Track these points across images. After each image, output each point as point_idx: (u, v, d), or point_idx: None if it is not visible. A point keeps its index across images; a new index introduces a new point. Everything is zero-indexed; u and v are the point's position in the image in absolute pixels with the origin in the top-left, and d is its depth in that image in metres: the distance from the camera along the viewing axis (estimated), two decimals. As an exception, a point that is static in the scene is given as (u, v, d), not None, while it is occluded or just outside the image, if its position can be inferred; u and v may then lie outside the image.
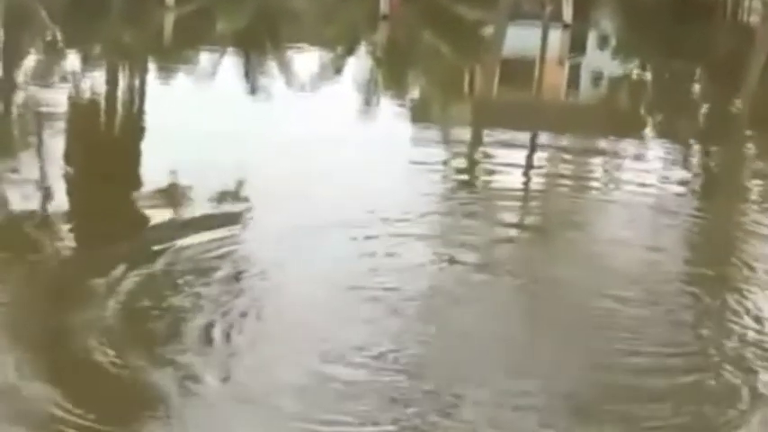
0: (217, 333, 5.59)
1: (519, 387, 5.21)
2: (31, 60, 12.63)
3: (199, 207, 7.58)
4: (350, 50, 14.95)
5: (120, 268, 6.28)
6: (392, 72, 14.11)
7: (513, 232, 7.63)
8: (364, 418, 4.89)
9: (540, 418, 4.97)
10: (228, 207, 7.65)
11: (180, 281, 6.23)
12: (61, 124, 9.91)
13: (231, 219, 7.35)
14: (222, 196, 7.79)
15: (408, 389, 5.16)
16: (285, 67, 13.34)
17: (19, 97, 10.99)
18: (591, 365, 5.56)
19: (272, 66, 13.64)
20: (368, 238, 7.08)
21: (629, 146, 10.53)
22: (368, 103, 12.03)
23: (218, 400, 5.00)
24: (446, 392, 5.12)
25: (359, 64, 14.40)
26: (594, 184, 9.21)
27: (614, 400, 5.21)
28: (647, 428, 4.98)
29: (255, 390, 5.10)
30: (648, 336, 5.91)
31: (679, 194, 9.00)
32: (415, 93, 13.49)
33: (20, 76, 11.79)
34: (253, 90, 12.27)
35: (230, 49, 14.25)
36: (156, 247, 6.71)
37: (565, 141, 10.63)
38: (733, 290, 6.61)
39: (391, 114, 11.69)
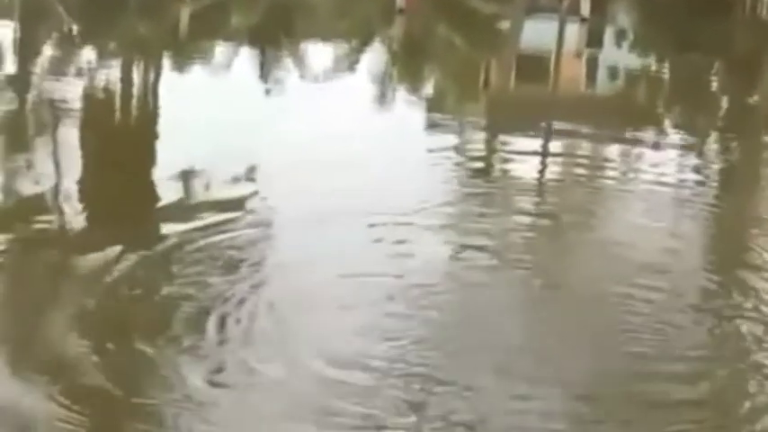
0: (218, 322, 5.54)
1: (531, 381, 5.15)
2: (46, 54, 12.62)
3: (211, 196, 7.57)
4: (365, 44, 14.89)
5: (129, 256, 6.26)
6: (408, 66, 14.06)
7: (528, 222, 7.58)
8: (368, 411, 4.82)
9: (551, 414, 4.91)
10: (240, 196, 7.61)
11: (188, 269, 6.21)
12: (76, 117, 9.88)
13: (242, 207, 7.33)
14: (234, 185, 7.78)
15: (417, 380, 5.10)
16: (300, 60, 13.30)
17: (34, 90, 10.97)
18: (606, 358, 5.50)
19: (287, 59, 13.61)
20: (381, 226, 7.03)
21: (646, 138, 10.47)
22: (383, 96, 11.98)
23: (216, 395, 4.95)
24: (454, 385, 5.07)
25: (374, 58, 14.35)
26: (611, 174, 9.15)
27: (629, 394, 5.14)
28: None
29: (263, 380, 5.08)
30: (668, 328, 5.85)
31: (697, 185, 8.94)
32: (430, 87, 13.43)
33: (36, 70, 11.77)
34: (267, 83, 12.24)
35: (245, 43, 14.23)
36: (167, 235, 6.72)
37: (581, 133, 10.57)
38: (753, 281, 6.56)
39: (406, 108, 11.65)
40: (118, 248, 6.32)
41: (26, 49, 12.52)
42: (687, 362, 5.49)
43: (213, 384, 4.97)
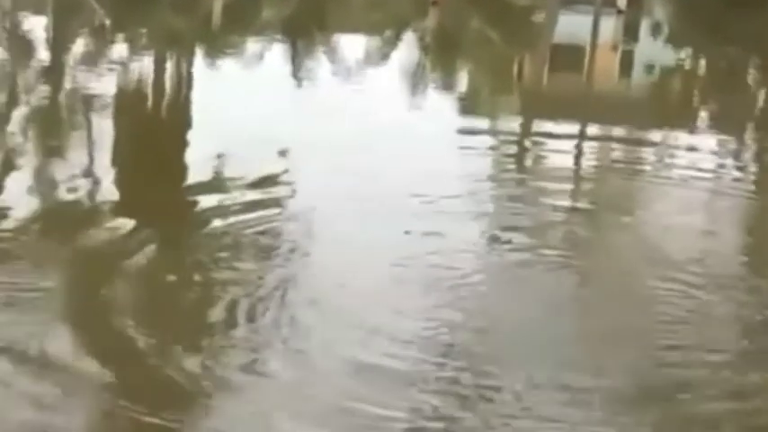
0: (249, 308, 5.53)
1: (563, 374, 5.08)
2: (79, 45, 12.63)
3: (243, 183, 7.54)
4: (398, 36, 14.83)
5: (161, 243, 6.30)
6: (441, 58, 13.99)
7: (562, 214, 7.51)
8: (397, 401, 4.78)
9: (583, 408, 4.83)
10: (272, 183, 7.59)
11: (220, 255, 6.22)
12: (109, 108, 9.89)
13: (274, 194, 7.34)
14: (266, 173, 7.75)
15: (448, 371, 5.04)
16: (332, 52, 13.25)
17: (67, 82, 10.99)
18: (641, 353, 5.42)
19: (319, 52, 13.56)
20: (415, 214, 7.00)
21: (682, 132, 10.37)
22: (416, 88, 11.92)
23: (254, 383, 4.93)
24: (484, 378, 5.01)
25: (407, 50, 14.28)
26: (647, 167, 9.07)
27: (662, 390, 5.06)
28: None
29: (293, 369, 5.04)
30: (705, 323, 5.77)
31: (734, 179, 8.83)
32: (464, 79, 13.36)
33: (68, 61, 11.79)
34: (299, 76, 12.20)
35: (277, 36, 14.20)
36: (199, 222, 6.76)
37: (617, 127, 10.47)
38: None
39: (440, 99, 11.58)
40: (150, 236, 6.37)
41: (59, 42, 12.54)
42: (727, 354, 5.41)
43: (247, 372, 4.95)
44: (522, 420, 4.71)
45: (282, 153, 8.24)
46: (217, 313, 5.53)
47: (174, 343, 5.18)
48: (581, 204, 8.04)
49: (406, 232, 6.75)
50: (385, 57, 13.51)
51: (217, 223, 6.75)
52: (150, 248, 6.26)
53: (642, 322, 5.79)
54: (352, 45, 13.79)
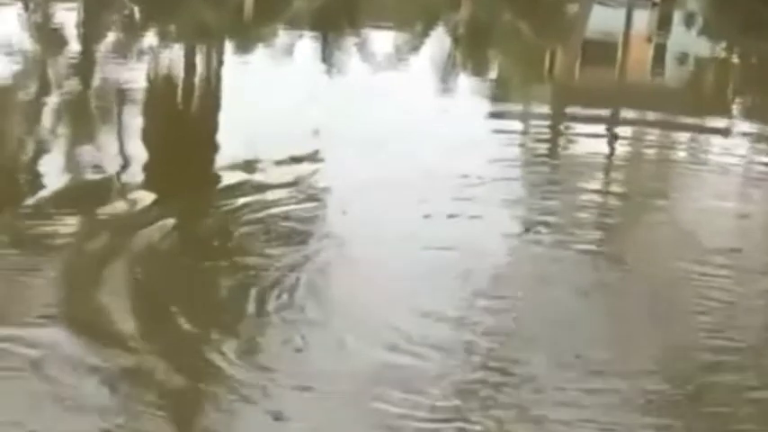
0: (276, 293, 5.51)
1: (594, 359, 5.00)
2: (110, 37, 12.64)
3: (272, 172, 7.52)
4: (429, 28, 14.77)
5: (193, 229, 6.35)
6: (472, 50, 13.93)
7: (595, 199, 7.45)
8: (427, 386, 4.71)
9: (612, 394, 4.75)
10: (301, 172, 7.56)
11: (248, 241, 6.20)
12: (139, 98, 9.88)
13: (304, 182, 7.30)
14: (296, 162, 7.72)
15: (476, 359, 4.97)
16: (363, 45, 13.21)
17: (98, 73, 10.99)
18: (673, 338, 5.34)
19: (350, 44, 13.52)
20: (445, 201, 6.95)
21: (716, 120, 10.27)
22: (447, 79, 11.85)
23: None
24: (515, 365, 4.93)
25: (439, 42, 14.21)
26: (680, 154, 9.01)
27: (692, 375, 4.98)
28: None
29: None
30: (738, 308, 5.68)
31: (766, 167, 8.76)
32: (495, 71, 13.28)
33: (99, 52, 11.80)
34: (330, 67, 12.16)
35: (308, 27, 14.17)
36: (228, 209, 6.72)
37: (649, 116, 10.37)
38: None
39: (471, 91, 11.51)
40: (179, 222, 6.37)
41: (90, 33, 12.55)
42: (760, 340, 5.33)
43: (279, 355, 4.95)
44: (551, 404, 4.65)
45: (313, 136, 8.22)
46: (244, 297, 5.50)
47: (205, 327, 5.16)
48: (614, 189, 7.99)
49: (426, 216, 6.71)
50: (416, 49, 13.45)
51: (246, 207, 6.73)
52: (179, 231, 6.27)
53: (675, 307, 5.73)
54: (383, 37, 13.74)
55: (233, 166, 7.67)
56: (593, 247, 6.51)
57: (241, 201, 6.86)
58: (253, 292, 5.53)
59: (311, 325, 5.27)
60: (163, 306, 5.36)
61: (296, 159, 7.73)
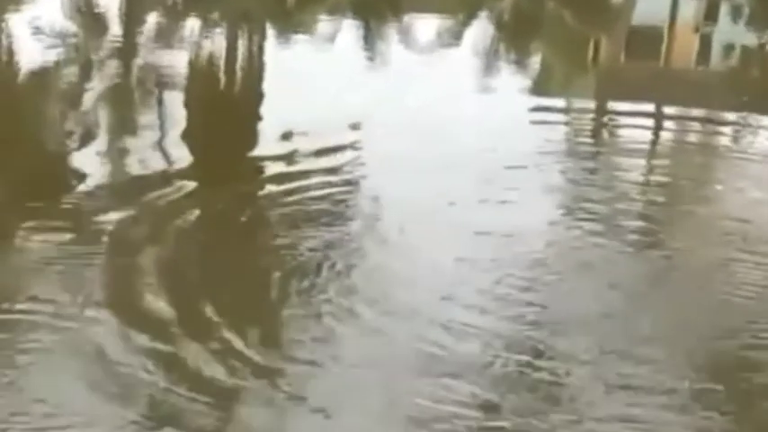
0: (318, 279, 5.53)
1: (636, 350, 4.94)
2: (151, 23, 12.66)
3: (313, 157, 7.53)
4: (472, 17, 14.67)
5: (233, 214, 6.33)
6: (515, 39, 13.84)
7: (638, 188, 7.38)
8: (466, 372, 4.65)
9: (655, 384, 4.67)
10: (340, 159, 7.53)
11: (288, 224, 6.18)
12: (180, 85, 9.89)
13: (346, 164, 7.36)
14: (337, 147, 7.70)
15: (519, 345, 4.92)
16: (405, 32, 13.15)
17: (140, 59, 11.01)
18: (716, 329, 5.26)
19: (392, 31, 13.47)
20: (486, 187, 6.90)
21: (762, 112, 10.12)
22: (490, 67, 11.77)
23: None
24: (555, 357, 4.87)
25: (481, 31, 14.12)
26: (726, 144, 8.89)
27: (733, 369, 4.91)
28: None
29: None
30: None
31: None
32: (538, 60, 13.18)
33: (141, 38, 11.82)
34: (372, 55, 12.11)
35: (350, 15, 14.12)
36: (271, 193, 6.82)
37: (695, 105, 10.25)
38: None
39: (513, 78, 11.42)
40: (218, 203, 6.50)
41: (132, 18, 12.58)
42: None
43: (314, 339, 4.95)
44: (591, 392, 4.59)
45: (353, 125, 8.19)
46: (283, 283, 5.49)
47: (244, 314, 5.15)
48: (657, 178, 7.91)
49: (451, 204, 6.66)
50: (458, 37, 13.38)
51: (285, 193, 6.74)
52: (217, 216, 6.28)
53: (719, 297, 5.65)
54: (426, 25, 13.66)
55: (272, 154, 7.69)
56: (635, 237, 6.44)
57: (280, 187, 6.89)
58: (286, 275, 5.54)
59: (343, 309, 5.26)
60: (197, 291, 5.36)
61: (336, 147, 7.72)
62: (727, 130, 9.51)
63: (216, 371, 4.69)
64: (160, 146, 7.83)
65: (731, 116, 9.79)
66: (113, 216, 6.33)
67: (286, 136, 8.00)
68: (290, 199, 6.67)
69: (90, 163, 7.26)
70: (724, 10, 17.10)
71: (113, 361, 4.71)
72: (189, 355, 4.80)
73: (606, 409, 4.55)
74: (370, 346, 4.95)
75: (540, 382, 4.72)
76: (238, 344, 4.89)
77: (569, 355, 4.90)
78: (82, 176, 6.97)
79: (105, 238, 6.02)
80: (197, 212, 6.47)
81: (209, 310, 5.18)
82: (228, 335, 4.96)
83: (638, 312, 5.44)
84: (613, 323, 5.29)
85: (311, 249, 5.92)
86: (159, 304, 5.24)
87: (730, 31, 15.47)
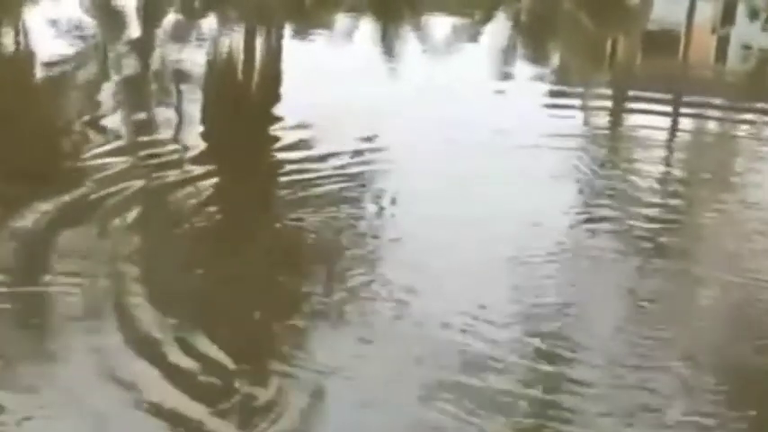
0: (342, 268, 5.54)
1: (652, 351, 4.91)
2: (169, 20, 12.70)
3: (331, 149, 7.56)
4: (489, 17, 14.68)
5: (251, 203, 6.44)
6: (532, 39, 13.84)
7: (656, 182, 7.37)
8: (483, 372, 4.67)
9: (673, 388, 4.65)
10: (357, 153, 7.57)
11: (305, 210, 6.23)
12: (198, 82, 9.92)
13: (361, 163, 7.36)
14: (355, 140, 7.73)
15: (529, 347, 4.91)
16: (422, 31, 13.17)
17: (158, 56, 11.05)
18: (738, 335, 5.21)
19: (409, 30, 13.49)
20: (503, 186, 6.89)
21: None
22: (506, 68, 11.77)
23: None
24: (569, 359, 4.85)
25: (498, 31, 14.12)
26: (744, 140, 8.88)
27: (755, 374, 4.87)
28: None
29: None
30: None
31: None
32: (555, 60, 13.18)
33: (159, 36, 11.86)
34: (389, 53, 12.13)
35: (367, 14, 14.14)
36: (289, 181, 6.85)
37: (712, 102, 10.23)
38: None
39: (529, 77, 11.41)
40: (238, 194, 6.53)
41: (151, 15, 12.62)
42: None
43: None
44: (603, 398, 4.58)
45: (371, 120, 8.22)
46: (305, 272, 5.52)
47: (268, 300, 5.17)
48: (675, 172, 7.91)
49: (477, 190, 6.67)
50: (474, 37, 13.39)
51: (300, 182, 6.78)
52: (238, 206, 6.31)
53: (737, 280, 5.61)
54: (443, 24, 13.67)
55: (290, 146, 7.70)
56: (651, 229, 6.44)
57: (296, 176, 6.93)
58: (312, 264, 5.56)
59: (369, 295, 5.32)
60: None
61: (354, 138, 7.74)
62: (745, 125, 9.51)
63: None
64: (178, 142, 7.84)
65: (748, 114, 9.79)
66: (133, 205, 6.35)
67: (302, 132, 8.02)
68: (306, 183, 6.77)
69: (105, 155, 7.29)
70: (741, 11, 17.07)
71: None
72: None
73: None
74: (380, 335, 4.96)
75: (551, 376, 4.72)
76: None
77: (578, 345, 4.88)
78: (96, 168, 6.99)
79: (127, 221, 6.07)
80: (216, 205, 6.51)
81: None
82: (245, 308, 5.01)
83: (652, 306, 5.40)
84: (626, 319, 5.25)
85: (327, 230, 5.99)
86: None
87: (748, 33, 15.44)
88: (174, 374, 4.49)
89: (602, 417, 4.41)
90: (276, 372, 4.62)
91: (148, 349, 4.65)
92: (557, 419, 4.38)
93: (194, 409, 4.27)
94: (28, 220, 5.94)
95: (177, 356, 4.61)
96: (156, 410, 4.25)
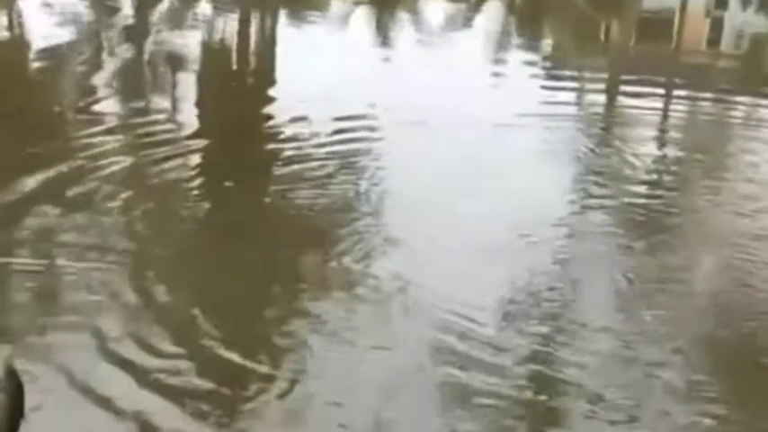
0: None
1: (648, 337, 4.94)
2: (164, 5, 12.69)
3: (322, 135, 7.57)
4: (484, 1, 14.68)
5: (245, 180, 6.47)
6: (526, 23, 13.84)
7: (649, 162, 7.40)
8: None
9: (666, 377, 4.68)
10: (350, 134, 7.59)
11: (303, 193, 6.26)
12: (193, 66, 9.92)
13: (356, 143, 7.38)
14: (348, 119, 7.76)
15: (526, 332, 4.94)
16: (417, 16, 13.17)
17: (152, 41, 11.04)
18: (728, 319, 5.22)
19: (404, 16, 13.48)
20: (496, 171, 6.92)
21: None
22: (501, 51, 11.78)
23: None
24: (569, 340, 4.88)
25: (493, 14, 14.13)
26: (736, 123, 8.90)
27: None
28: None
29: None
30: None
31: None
32: (549, 44, 13.18)
33: (153, 21, 11.86)
34: (384, 39, 12.14)
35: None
36: (282, 163, 6.89)
37: (705, 86, 10.25)
38: None
39: (524, 60, 11.42)
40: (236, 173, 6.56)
41: (144, 1, 12.61)
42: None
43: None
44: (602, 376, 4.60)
45: (369, 106, 8.22)
46: (303, 248, 5.57)
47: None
48: (669, 152, 7.94)
49: (475, 171, 6.68)
50: (469, 21, 13.39)
51: (294, 158, 6.86)
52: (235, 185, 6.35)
53: (726, 261, 5.63)
54: (437, 8, 13.68)
55: (284, 124, 7.76)
56: (644, 210, 6.48)
57: (290, 152, 7.02)
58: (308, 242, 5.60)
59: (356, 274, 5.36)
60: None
61: (347, 117, 7.76)
62: (737, 108, 9.53)
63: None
64: (173, 123, 7.86)
65: (741, 97, 9.81)
66: (127, 192, 6.36)
67: (297, 114, 8.03)
68: (302, 158, 6.82)
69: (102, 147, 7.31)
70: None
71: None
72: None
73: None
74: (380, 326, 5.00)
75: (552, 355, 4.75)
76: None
77: (576, 329, 4.91)
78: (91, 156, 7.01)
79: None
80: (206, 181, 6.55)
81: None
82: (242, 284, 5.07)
83: (646, 289, 5.42)
84: (622, 301, 5.27)
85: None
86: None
87: (741, 17, 15.45)
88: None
89: (595, 415, 4.43)
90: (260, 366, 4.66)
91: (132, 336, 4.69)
92: (549, 419, 4.42)
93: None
94: (16, 194, 5.97)
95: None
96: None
